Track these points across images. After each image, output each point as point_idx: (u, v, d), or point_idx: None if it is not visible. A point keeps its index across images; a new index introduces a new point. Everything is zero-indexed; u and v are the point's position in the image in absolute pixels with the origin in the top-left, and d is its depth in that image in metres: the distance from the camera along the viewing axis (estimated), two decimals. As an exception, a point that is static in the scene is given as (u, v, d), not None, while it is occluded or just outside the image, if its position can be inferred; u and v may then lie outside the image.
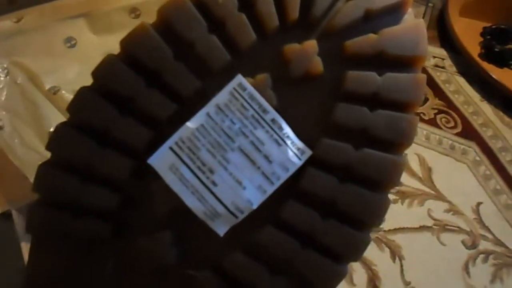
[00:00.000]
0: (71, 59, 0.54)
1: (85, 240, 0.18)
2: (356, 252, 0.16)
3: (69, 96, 0.51)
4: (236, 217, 0.17)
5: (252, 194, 0.16)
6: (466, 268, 0.66)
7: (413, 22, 0.17)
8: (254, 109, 0.16)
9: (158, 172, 0.16)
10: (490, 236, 0.71)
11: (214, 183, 0.16)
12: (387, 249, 0.65)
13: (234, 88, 0.16)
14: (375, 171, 0.18)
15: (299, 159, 0.17)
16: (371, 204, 0.17)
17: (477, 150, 0.82)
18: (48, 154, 0.50)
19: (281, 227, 0.17)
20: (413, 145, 0.79)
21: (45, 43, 0.54)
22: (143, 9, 0.56)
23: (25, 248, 0.50)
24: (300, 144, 0.17)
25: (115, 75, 0.17)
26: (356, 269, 0.63)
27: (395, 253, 0.65)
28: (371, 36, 0.17)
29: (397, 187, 0.72)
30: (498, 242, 0.70)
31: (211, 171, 0.16)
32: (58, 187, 0.16)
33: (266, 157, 0.16)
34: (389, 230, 0.67)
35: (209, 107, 0.16)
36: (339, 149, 0.17)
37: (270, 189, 0.16)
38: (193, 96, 0.17)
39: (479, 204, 0.74)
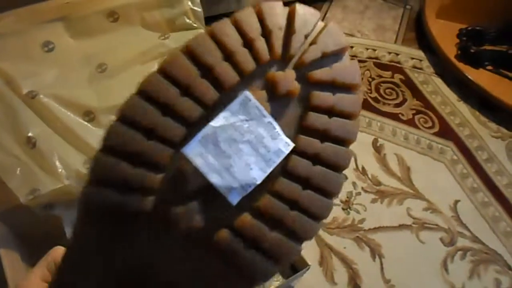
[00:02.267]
0: (49, 63, 0.54)
1: (130, 212, 0.23)
2: (327, 212, 0.26)
3: (47, 101, 0.51)
4: (246, 190, 0.25)
5: (257, 174, 0.24)
6: (444, 265, 0.68)
7: (352, 61, 0.28)
8: (256, 114, 0.25)
9: (189, 158, 0.23)
10: (467, 233, 0.72)
11: (230, 166, 0.24)
12: (367, 248, 0.67)
13: (243, 100, 0.25)
14: (335, 158, 0.26)
15: (286, 149, 0.25)
16: (333, 180, 0.26)
17: (454, 149, 0.83)
18: (26, 159, 0.49)
19: (275, 195, 0.25)
20: (392, 145, 0.81)
21: (23, 47, 0.54)
22: (121, 12, 0.56)
23: (4, 254, 0.50)
24: (286, 139, 0.25)
25: (158, 86, 0.23)
26: (337, 268, 0.63)
27: (375, 252, 0.66)
28: (326, 69, 0.26)
29: (376, 187, 0.73)
30: (475, 239, 0.72)
31: (228, 157, 0.24)
32: (112, 169, 0.23)
33: (265, 148, 0.25)
34: (369, 229, 0.68)
35: (225, 112, 0.24)
36: (310, 142, 0.26)
37: (268, 170, 0.25)
38: (213, 104, 0.24)
39: (456, 202, 0.76)
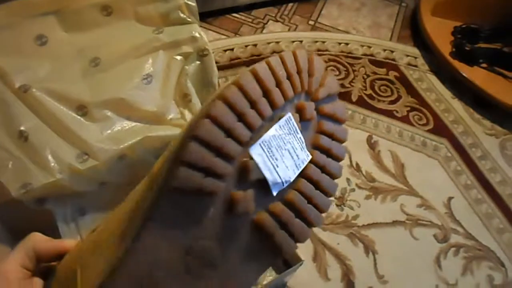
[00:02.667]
0: (42, 57, 0.53)
1: (207, 192, 0.29)
2: (327, 207, 0.35)
3: (40, 95, 0.50)
4: (283, 185, 0.32)
5: (291, 174, 0.32)
6: (437, 261, 0.68)
7: (342, 101, 0.40)
8: (293, 130, 0.32)
9: (253, 156, 0.30)
10: (461, 230, 0.73)
11: (277, 166, 0.31)
12: (360, 244, 0.67)
13: (287, 118, 0.32)
14: (334, 169, 0.35)
15: (307, 159, 0.33)
16: (333, 184, 0.35)
17: (448, 146, 0.84)
18: (18, 153, 0.49)
19: (298, 192, 0.33)
20: (386, 141, 0.81)
21: (15, 41, 0.53)
22: (115, 6, 0.55)
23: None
24: (307, 152, 0.33)
25: (222, 112, 0.29)
26: (331, 264, 0.64)
27: (369, 248, 0.67)
28: (329, 105, 0.35)
29: (370, 184, 0.73)
30: (468, 236, 0.72)
31: (276, 159, 0.31)
32: (200, 156, 0.28)
33: (297, 156, 0.32)
34: (363, 226, 0.68)
35: (276, 125, 0.31)
36: (320, 156, 0.34)
37: (297, 172, 0.32)
38: (266, 123, 0.31)
39: (450, 199, 0.76)
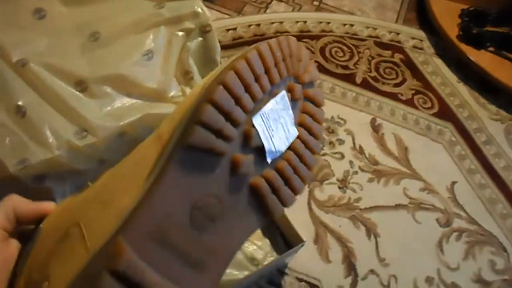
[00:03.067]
0: (40, 31, 0.52)
1: (216, 151, 0.31)
2: (308, 181, 0.38)
3: (38, 69, 0.49)
4: (276, 154, 0.35)
5: (283, 145, 0.35)
6: (440, 246, 0.68)
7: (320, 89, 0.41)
8: (286, 106, 0.36)
9: (254, 125, 0.33)
10: (463, 214, 0.72)
11: (273, 136, 0.35)
12: (362, 227, 0.66)
13: (282, 95, 0.35)
14: (314, 146, 0.38)
15: (295, 134, 0.36)
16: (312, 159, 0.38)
17: (453, 130, 0.83)
18: (15, 129, 0.48)
19: (286, 162, 0.35)
20: (390, 124, 0.80)
21: (13, 15, 0.52)
22: (115, -20, 0.54)
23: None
24: (295, 128, 0.36)
25: (233, 81, 0.32)
26: (332, 246, 0.63)
27: (371, 231, 0.66)
28: (312, 89, 0.39)
29: (373, 166, 0.72)
30: (471, 221, 0.72)
31: (272, 130, 0.34)
32: (215, 121, 0.30)
33: (288, 130, 0.36)
34: (365, 209, 0.68)
35: (273, 100, 0.34)
36: (304, 133, 0.37)
37: (288, 145, 0.36)
38: (265, 97, 0.34)
39: (453, 183, 0.75)
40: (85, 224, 0.32)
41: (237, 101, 0.32)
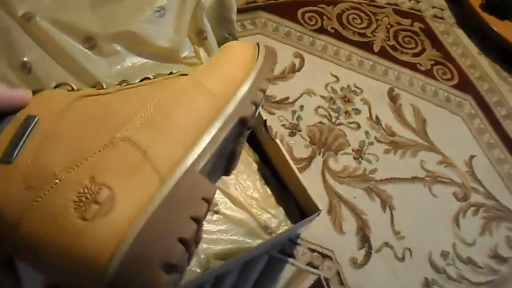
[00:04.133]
0: (47, -15, 0.49)
1: (249, 124, 0.38)
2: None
3: (44, 24, 0.47)
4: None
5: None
6: (456, 220, 0.66)
7: None
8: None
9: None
10: (481, 189, 0.70)
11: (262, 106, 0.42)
12: (378, 199, 0.64)
13: None
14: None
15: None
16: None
17: (473, 103, 0.79)
18: (21, 85, 0.46)
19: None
20: (408, 95, 0.77)
21: (18, -34, 0.49)
22: None
23: None
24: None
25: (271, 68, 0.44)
26: (346, 217, 0.61)
27: (386, 203, 0.64)
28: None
29: (390, 138, 0.70)
30: (489, 196, 0.69)
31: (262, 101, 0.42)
32: (260, 98, 0.40)
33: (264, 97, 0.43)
34: (381, 180, 0.66)
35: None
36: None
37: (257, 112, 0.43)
38: None
39: (472, 157, 0.73)
40: (138, 143, 0.31)
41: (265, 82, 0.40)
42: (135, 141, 0.31)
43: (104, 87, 0.41)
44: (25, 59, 0.46)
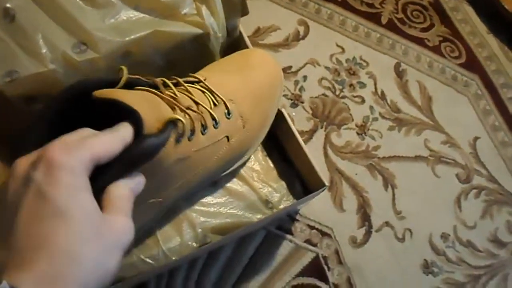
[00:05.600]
0: None
1: None
2: None
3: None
4: None
5: None
6: (458, 202, 0.64)
7: None
8: None
9: None
10: (484, 172, 0.68)
11: None
12: (380, 177, 0.61)
13: None
14: None
15: None
16: None
17: (479, 83, 0.77)
18: (2, 35, 0.41)
19: None
20: (415, 71, 0.74)
21: None
22: None
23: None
24: None
25: None
26: (347, 195, 0.59)
27: (388, 182, 0.62)
28: None
29: (395, 114, 0.67)
30: (491, 179, 0.67)
31: None
32: None
33: None
34: (384, 158, 0.63)
35: None
36: None
37: None
38: None
39: (476, 138, 0.70)
40: None
41: None
42: None
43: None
44: (7, 5, 0.41)
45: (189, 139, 0.36)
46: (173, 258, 0.43)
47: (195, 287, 0.49)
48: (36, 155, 0.26)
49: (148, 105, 0.32)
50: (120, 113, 0.31)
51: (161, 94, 0.36)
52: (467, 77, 0.77)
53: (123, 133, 0.29)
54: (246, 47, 0.52)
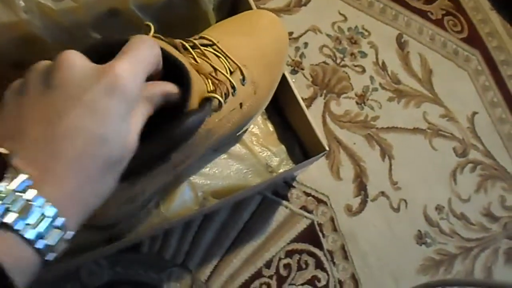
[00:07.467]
0: None
1: None
2: None
3: None
4: None
5: None
6: (453, 175, 0.64)
7: None
8: None
9: None
10: (481, 147, 0.68)
11: None
12: (377, 147, 0.61)
13: None
14: None
15: None
16: None
17: (480, 59, 0.76)
18: None
19: None
20: (417, 43, 0.73)
21: None
22: None
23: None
24: None
25: None
26: (344, 163, 0.58)
27: (385, 152, 0.61)
28: None
29: (395, 85, 0.66)
30: (487, 154, 0.68)
31: None
32: None
33: None
34: (382, 128, 0.62)
35: None
36: None
37: None
38: None
39: (474, 113, 0.70)
40: None
41: None
42: None
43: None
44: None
45: (216, 111, 0.35)
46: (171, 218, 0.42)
47: (189, 248, 0.49)
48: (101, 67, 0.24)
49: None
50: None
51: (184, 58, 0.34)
52: (468, 52, 0.76)
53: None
54: (249, 8, 0.50)
